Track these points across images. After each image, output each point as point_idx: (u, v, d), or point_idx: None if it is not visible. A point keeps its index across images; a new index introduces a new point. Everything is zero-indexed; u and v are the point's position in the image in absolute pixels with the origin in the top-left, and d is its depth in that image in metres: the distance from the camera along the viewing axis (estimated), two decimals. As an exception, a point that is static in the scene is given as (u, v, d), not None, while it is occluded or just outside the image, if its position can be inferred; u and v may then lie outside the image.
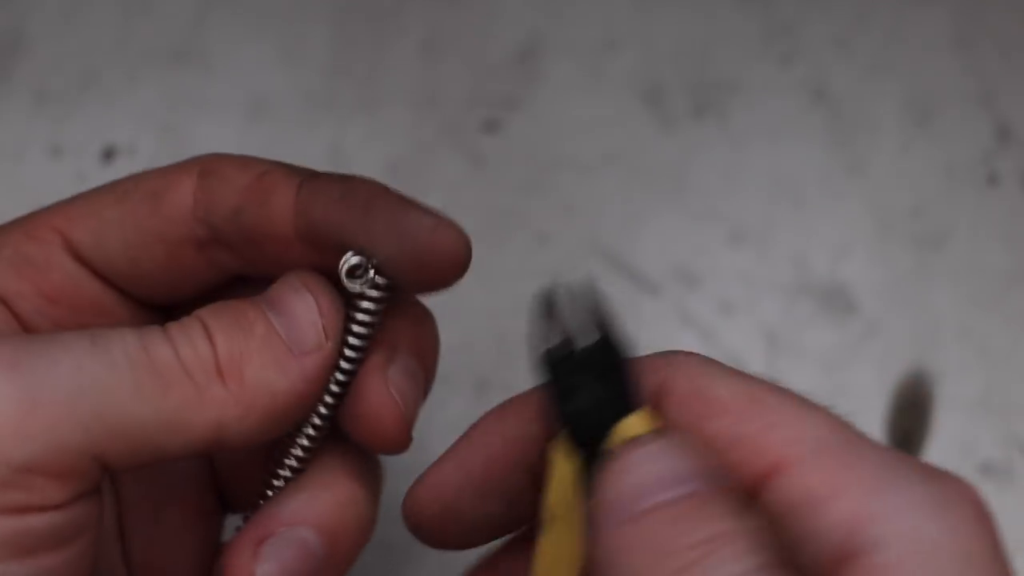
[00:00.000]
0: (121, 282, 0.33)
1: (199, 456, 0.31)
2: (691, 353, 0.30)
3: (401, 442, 0.32)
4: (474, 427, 0.32)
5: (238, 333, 0.30)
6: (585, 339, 0.29)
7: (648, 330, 0.49)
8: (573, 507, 0.28)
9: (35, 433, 0.28)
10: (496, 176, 0.52)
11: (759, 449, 0.27)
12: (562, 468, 0.29)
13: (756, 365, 0.49)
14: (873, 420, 0.48)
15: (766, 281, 0.51)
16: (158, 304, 0.34)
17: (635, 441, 0.27)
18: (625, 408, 0.28)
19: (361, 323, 0.31)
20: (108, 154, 0.53)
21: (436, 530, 0.33)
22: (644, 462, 0.27)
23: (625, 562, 0.26)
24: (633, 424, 0.28)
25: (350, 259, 0.31)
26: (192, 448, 0.30)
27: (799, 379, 0.48)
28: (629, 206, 0.52)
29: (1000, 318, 0.50)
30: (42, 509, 0.28)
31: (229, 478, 0.37)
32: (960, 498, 0.26)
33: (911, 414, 0.48)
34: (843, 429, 0.27)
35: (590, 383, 0.28)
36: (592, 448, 0.28)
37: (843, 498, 0.26)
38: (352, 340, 0.31)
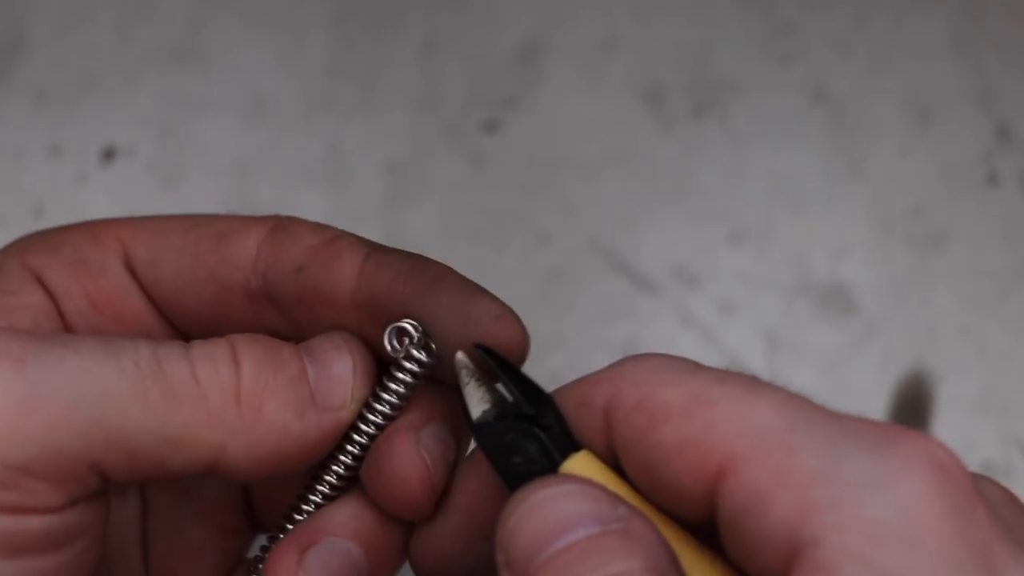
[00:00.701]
0: (165, 307, 0.34)
1: (197, 476, 0.31)
2: (642, 357, 0.29)
3: (423, 506, 0.31)
4: (457, 471, 0.32)
5: (269, 366, 0.30)
6: (508, 395, 0.29)
7: (648, 330, 0.49)
8: None
9: (33, 434, 0.28)
10: (496, 176, 0.52)
11: (704, 452, 0.26)
12: None
13: (756, 365, 0.49)
14: (873, 420, 0.48)
15: (766, 281, 0.51)
16: (196, 337, 0.34)
17: (524, 492, 0.26)
18: (561, 453, 0.28)
19: (394, 390, 0.31)
20: (108, 154, 0.53)
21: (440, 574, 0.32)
22: (540, 510, 0.26)
23: None
24: (571, 467, 0.28)
25: (401, 323, 0.31)
26: (192, 468, 0.29)
27: (799, 379, 0.48)
28: (629, 206, 0.52)
29: (999, 318, 0.50)
30: (36, 511, 0.28)
31: (262, 497, 0.36)
32: (912, 467, 0.24)
33: (911, 414, 0.48)
34: (788, 410, 0.26)
35: (520, 443, 0.28)
36: None
37: (784, 492, 0.24)
38: (382, 406, 0.31)
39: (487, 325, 0.30)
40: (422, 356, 0.31)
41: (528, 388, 0.29)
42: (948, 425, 0.48)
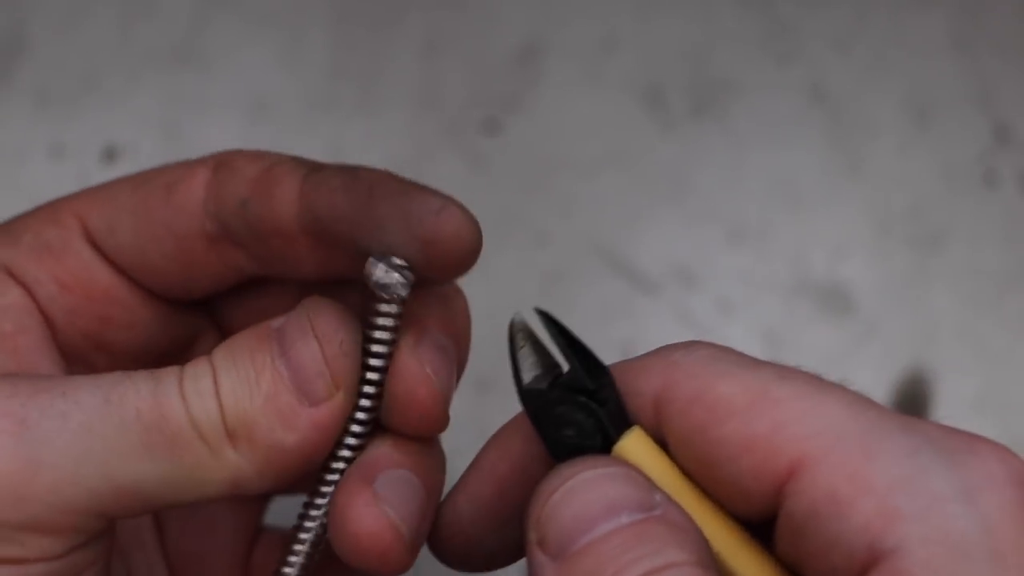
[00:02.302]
0: (132, 272, 0.33)
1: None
2: (693, 345, 0.28)
3: (438, 418, 0.30)
4: (480, 454, 0.31)
5: (244, 390, 0.29)
6: (562, 366, 0.28)
7: (647, 330, 0.50)
8: None
9: (37, 495, 0.27)
10: (496, 176, 0.52)
11: (773, 451, 0.25)
12: None
13: (755, 365, 0.49)
14: (872, 420, 0.48)
15: (765, 281, 0.51)
16: (172, 298, 0.34)
17: (563, 472, 0.26)
18: (616, 430, 0.27)
19: (384, 327, 0.30)
20: (109, 155, 0.53)
21: (461, 558, 0.32)
22: (579, 494, 0.25)
23: None
24: (626, 447, 0.27)
25: (367, 264, 0.29)
26: (209, 500, 0.29)
27: (798, 379, 0.49)
28: (629, 206, 0.52)
29: (998, 318, 0.50)
30: (41, 560, 0.28)
31: None
32: (993, 482, 0.24)
33: (910, 413, 0.48)
34: (861, 412, 0.25)
35: (574, 415, 0.27)
36: None
37: (865, 498, 0.24)
38: (377, 347, 0.30)
39: (429, 223, 0.29)
40: (400, 289, 0.29)
41: (586, 358, 0.28)
42: (946, 424, 0.48)
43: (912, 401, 0.49)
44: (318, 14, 0.55)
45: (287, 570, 0.31)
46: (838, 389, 0.26)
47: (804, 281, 0.51)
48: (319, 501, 0.31)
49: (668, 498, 0.26)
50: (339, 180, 0.30)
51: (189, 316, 0.35)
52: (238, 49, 0.55)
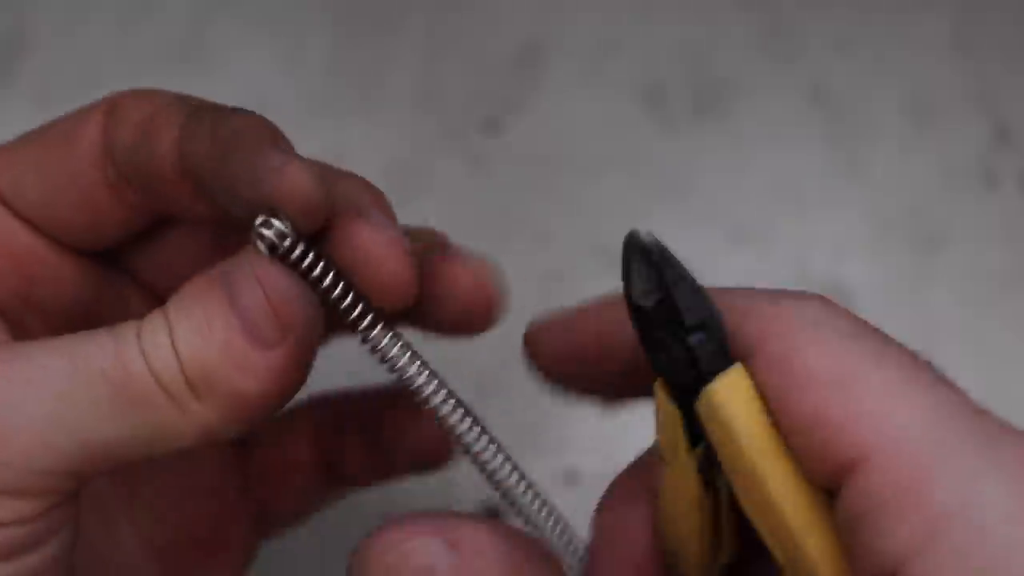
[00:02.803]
0: (44, 226, 0.32)
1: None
2: (804, 299, 0.27)
3: (406, 280, 0.30)
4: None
5: (199, 340, 0.28)
6: (674, 290, 0.27)
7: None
8: (679, 451, 0.27)
9: (9, 461, 0.27)
10: (496, 176, 0.52)
11: (843, 439, 0.24)
12: (665, 411, 0.27)
13: (755, 365, 0.49)
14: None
15: (766, 281, 0.50)
16: (90, 249, 0.33)
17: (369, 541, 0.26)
18: (718, 363, 0.26)
19: (311, 266, 0.29)
20: (109, 155, 0.53)
21: (552, 370, 0.31)
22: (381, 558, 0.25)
23: None
24: (725, 383, 0.26)
25: (258, 226, 0.28)
26: (183, 449, 0.29)
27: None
28: (629, 206, 0.52)
29: (999, 319, 0.50)
30: (15, 523, 0.28)
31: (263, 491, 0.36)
32: None
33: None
34: (943, 420, 0.24)
35: (671, 343, 0.26)
36: (689, 399, 0.27)
37: (911, 516, 0.23)
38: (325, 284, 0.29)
39: (270, 181, 0.28)
40: (289, 243, 0.28)
41: (695, 291, 0.27)
42: None
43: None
44: (318, 15, 0.56)
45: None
46: (931, 384, 0.25)
47: (804, 281, 0.51)
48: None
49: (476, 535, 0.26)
50: (207, 131, 0.29)
51: (110, 269, 0.34)
52: (238, 49, 0.55)
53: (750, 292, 0.28)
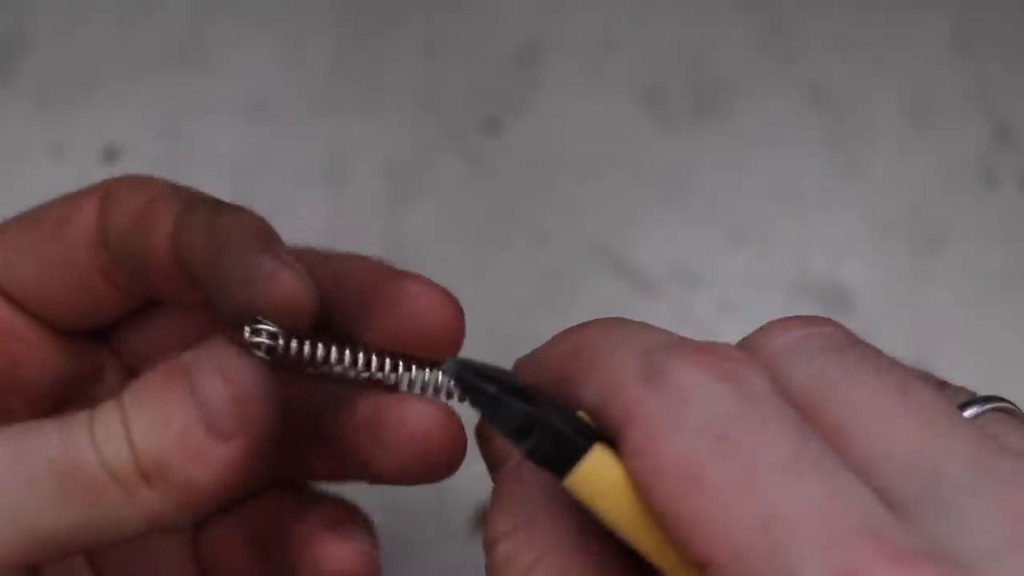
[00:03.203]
0: (34, 307, 0.33)
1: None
2: (673, 374, 0.24)
3: (308, 308, 0.30)
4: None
5: (155, 431, 0.28)
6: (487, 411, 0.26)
7: (648, 330, 0.50)
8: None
9: None
10: (496, 176, 0.52)
11: (691, 540, 0.22)
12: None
13: (755, 365, 0.49)
14: (872, 420, 0.48)
15: (766, 281, 0.51)
16: (76, 328, 0.34)
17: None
18: (567, 455, 0.25)
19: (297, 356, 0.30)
20: (109, 155, 0.53)
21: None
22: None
23: None
24: (583, 469, 0.25)
25: (249, 334, 0.29)
26: (128, 539, 0.29)
27: (798, 379, 0.49)
28: (629, 206, 0.52)
29: (999, 319, 0.50)
30: None
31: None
32: None
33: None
34: (788, 515, 0.22)
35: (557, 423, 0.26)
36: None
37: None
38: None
39: (261, 287, 0.28)
40: (282, 343, 0.29)
41: (507, 402, 0.26)
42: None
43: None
44: (318, 15, 0.55)
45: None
46: (789, 475, 0.22)
47: (804, 281, 0.51)
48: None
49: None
50: (201, 225, 0.30)
51: (92, 346, 0.35)
52: (238, 49, 0.55)
53: (622, 361, 0.25)
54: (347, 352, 0.31)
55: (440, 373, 0.32)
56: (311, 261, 0.31)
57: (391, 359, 0.32)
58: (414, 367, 0.32)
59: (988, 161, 0.53)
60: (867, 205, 0.52)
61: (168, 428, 0.28)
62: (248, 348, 0.29)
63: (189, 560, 0.36)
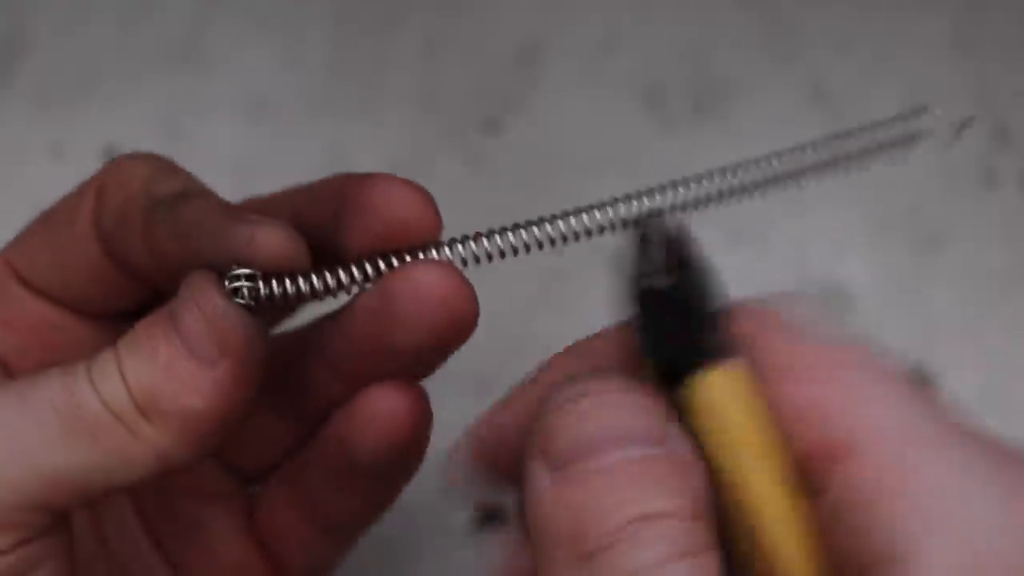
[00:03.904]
0: (62, 300, 0.34)
1: (155, 479, 0.31)
2: (794, 300, 0.28)
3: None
4: (541, 370, 0.31)
5: (144, 365, 0.29)
6: (675, 277, 0.27)
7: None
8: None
9: None
10: (496, 176, 0.53)
11: (836, 425, 0.25)
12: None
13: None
14: (872, 420, 0.48)
15: (765, 281, 0.51)
16: (108, 314, 0.34)
17: (590, 384, 0.25)
18: (720, 354, 0.26)
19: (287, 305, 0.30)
20: (109, 155, 0.53)
21: (492, 469, 0.32)
22: (599, 411, 0.25)
23: (551, 527, 0.24)
24: (723, 374, 0.26)
25: (230, 282, 0.30)
26: (142, 479, 0.29)
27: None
28: (629, 206, 0.52)
29: (998, 318, 0.50)
30: None
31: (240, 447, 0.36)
32: None
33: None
34: (926, 415, 0.25)
35: (688, 323, 0.27)
36: (673, 387, 0.26)
37: (900, 498, 0.24)
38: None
39: (244, 255, 0.29)
40: (253, 284, 0.30)
41: (712, 282, 0.27)
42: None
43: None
44: (318, 14, 0.56)
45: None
46: (911, 390, 0.26)
47: (804, 280, 0.51)
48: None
49: (680, 434, 0.26)
50: (164, 226, 0.31)
51: (126, 325, 0.35)
52: (238, 49, 0.55)
53: (739, 299, 0.28)
54: (330, 274, 0.31)
55: (434, 251, 0.32)
56: (280, 200, 0.32)
57: (377, 259, 0.31)
58: (406, 255, 0.32)
59: (988, 161, 0.53)
60: (867, 205, 0.52)
61: (155, 361, 0.29)
62: (230, 296, 0.29)
63: (247, 539, 0.36)
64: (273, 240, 0.29)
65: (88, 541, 0.35)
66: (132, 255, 0.32)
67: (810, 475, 0.25)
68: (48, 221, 0.34)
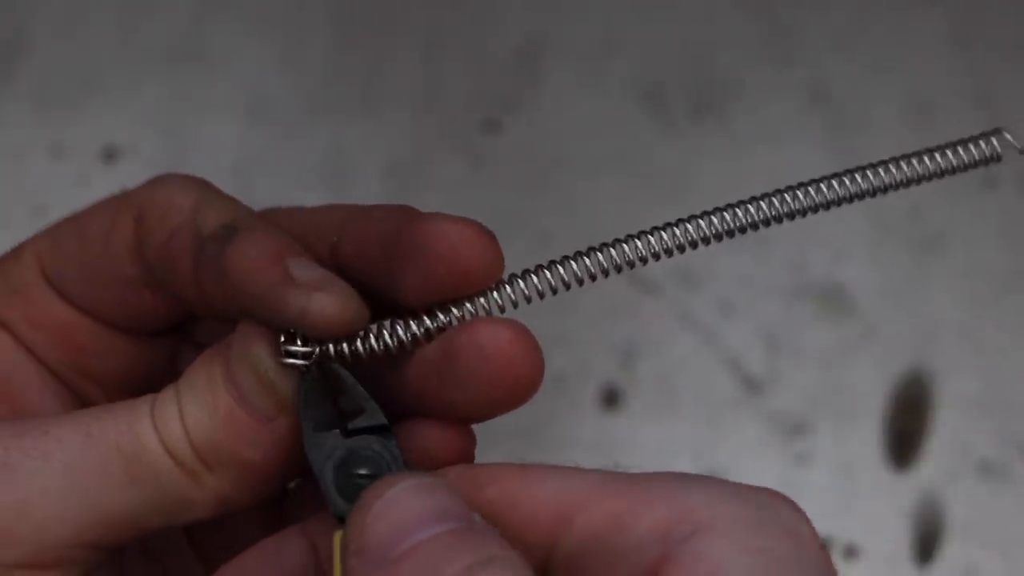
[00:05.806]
0: (90, 312, 0.33)
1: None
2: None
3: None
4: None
5: (205, 417, 0.29)
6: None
7: (648, 330, 0.50)
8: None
9: (24, 535, 0.28)
10: (496, 176, 0.52)
11: (537, 506, 0.26)
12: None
13: (756, 365, 0.49)
14: (872, 420, 0.48)
15: (765, 282, 0.51)
16: (133, 331, 0.34)
17: (385, 482, 0.26)
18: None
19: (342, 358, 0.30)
20: (109, 155, 0.53)
21: None
22: (401, 502, 0.25)
23: None
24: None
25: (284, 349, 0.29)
26: (199, 520, 0.30)
27: (798, 379, 0.49)
28: (629, 206, 0.52)
29: (998, 318, 0.50)
30: None
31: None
32: (775, 498, 0.25)
33: (909, 414, 0.48)
34: (617, 478, 0.26)
35: (377, 456, 0.28)
36: None
37: (653, 507, 0.25)
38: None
39: (298, 323, 0.28)
40: (305, 350, 0.29)
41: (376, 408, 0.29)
42: (946, 425, 0.48)
43: (912, 402, 0.49)
44: (318, 14, 0.55)
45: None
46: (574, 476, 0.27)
47: (804, 282, 0.51)
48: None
49: (483, 517, 0.26)
50: (212, 271, 0.30)
51: (167, 341, 0.35)
52: (238, 49, 0.55)
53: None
54: (389, 335, 0.29)
55: (494, 294, 0.31)
56: (325, 226, 0.30)
57: (437, 313, 0.30)
58: (467, 305, 0.30)
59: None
60: (866, 206, 0.52)
61: (215, 413, 0.29)
62: (284, 357, 0.29)
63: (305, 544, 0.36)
64: (327, 312, 0.28)
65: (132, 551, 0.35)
66: (177, 289, 0.31)
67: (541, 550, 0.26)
68: (81, 233, 0.33)
